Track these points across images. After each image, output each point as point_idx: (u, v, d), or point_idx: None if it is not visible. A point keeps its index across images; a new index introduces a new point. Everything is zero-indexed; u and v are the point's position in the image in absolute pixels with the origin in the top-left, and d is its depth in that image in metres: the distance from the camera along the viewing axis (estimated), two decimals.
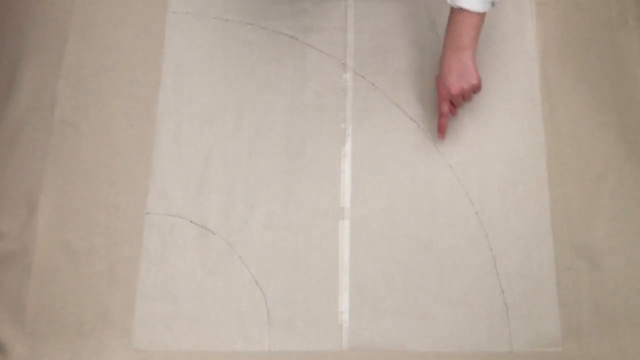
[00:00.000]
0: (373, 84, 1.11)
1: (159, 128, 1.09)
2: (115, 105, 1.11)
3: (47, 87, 1.12)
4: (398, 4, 1.16)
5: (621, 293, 0.99)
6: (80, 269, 1.02)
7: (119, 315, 1.00)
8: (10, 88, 1.12)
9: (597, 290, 1.00)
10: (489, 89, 1.10)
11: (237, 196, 1.06)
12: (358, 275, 1.02)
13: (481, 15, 0.95)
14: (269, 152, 1.08)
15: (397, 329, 0.99)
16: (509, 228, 1.03)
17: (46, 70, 1.13)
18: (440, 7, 1.15)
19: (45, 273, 1.02)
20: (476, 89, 1.00)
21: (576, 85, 1.10)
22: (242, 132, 1.09)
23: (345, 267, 1.02)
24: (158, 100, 1.11)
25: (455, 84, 0.99)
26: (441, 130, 1.05)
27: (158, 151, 1.08)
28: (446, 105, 1.03)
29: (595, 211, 1.03)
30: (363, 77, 1.12)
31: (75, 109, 1.11)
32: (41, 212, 1.05)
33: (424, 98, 1.10)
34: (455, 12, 0.97)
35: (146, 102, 1.11)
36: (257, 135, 1.09)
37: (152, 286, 1.01)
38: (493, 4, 0.95)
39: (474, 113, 1.09)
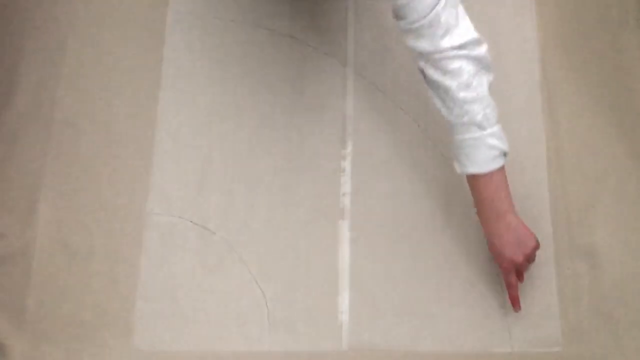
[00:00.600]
0: (373, 84, 1.11)
1: (159, 128, 1.09)
2: (115, 105, 1.11)
3: (48, 87, 1.12)
4: None
5: (622, 293, 0.99)
6: (80, 269, 1.02)
7: (119, 315, 1.00)
8: (10, 88, 1.12)
9: (597, 291, 1.00)
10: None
11: (237, 196, 1.06)
12: (358, 275, 1.02)
13: (500, 171, 0.87)
14: (269, 152, 1.08)
15: (397, 329, 0.99)
16: None
17: (46, 70, 1.13)
18: None
19: (46, 273, 1.02)
20: (537, 248, 0.91)
21: (576, 85, 1.10)
22: (242, 132, 1.09)
23: (345, 267, 1.02)
24: (158, 100, 1.11)
25: (517, 255, 0.89)
26: (516, 305, 0.95)
27: (158, 151, 1.08)
28: (513, 276, 0.92)
29: (595, 211, 1.03)
30: (363, 77, 1.12)
31: (75, 109, 1.11)
32: (41, 212, 1.05)
33: (424, 98, 1.10)
34: (471, 180, 0.89)
35: (146, 102, 1.11)
36: (257, 135, 1.09)
37: (153, 286, 1.01)
38: (505, 155, 0.87)
39: None
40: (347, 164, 1.07)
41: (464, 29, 0.83)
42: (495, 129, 0.86)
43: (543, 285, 1.00)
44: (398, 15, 0.85)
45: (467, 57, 0.83)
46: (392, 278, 1.01)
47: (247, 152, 1.08)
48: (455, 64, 0.83)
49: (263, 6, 1.16)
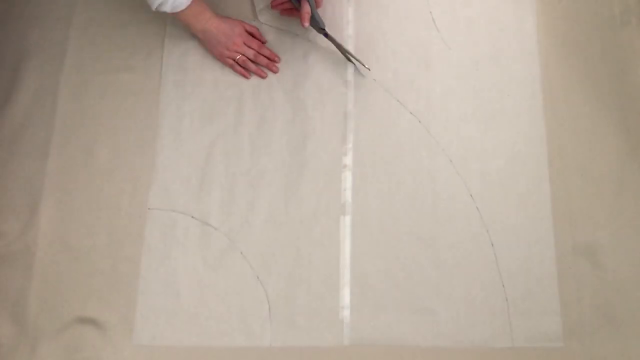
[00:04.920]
0: (374, 80, 1.11)
1: (161, 124, 1.10)
2: (116, 103, 1.11)
3: (49, 86, 1.12)
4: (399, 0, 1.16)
5: (623, 291, 0.99)
6: (82, 267, 1.03)
7: (121, 310, 1.01)
8: (12, 87, 1.12)
9: (598, 288, 1.00)
10: (490, 86, 1.10)
11: (238, 192, 1.06)
12: (359, 271, 1.02)
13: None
14: (270, 147, 1.08)
15: (398, 324, 0.99)
16: (510, 224, 1.03)
17: (48, 69, 1.13)
18: (440, 2, 1.15)
19: (47, 272, 1.02)
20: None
21: (577, 83, 1.10)
22: (243, 127, 1.09)
23: (346, 263, 1.02)
24: (159, 97, 1.11)
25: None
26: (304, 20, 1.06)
27: (160, 147, 1.08)
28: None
29: (596, 209, 1.03)
30: (364, 72, 1.11)
31: (76, 107, 1.11)
32: (43, 211, 1.05)
33: (425, 93, 1.10)
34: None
35: (148, 99, 1.11)
36: (258, 131, 1.09)
37: (154, 282, 1.02)
38: None
39: (476, 109, 1.09)
40: (348, 160, 1.07)
41: None
42: None
43: (544, 282, 1.00)
44: None
45: None
46: (393, 274, 1.01)
47: (248, 147, 1.08)
48: None
49: (264, 2, 1.15)
